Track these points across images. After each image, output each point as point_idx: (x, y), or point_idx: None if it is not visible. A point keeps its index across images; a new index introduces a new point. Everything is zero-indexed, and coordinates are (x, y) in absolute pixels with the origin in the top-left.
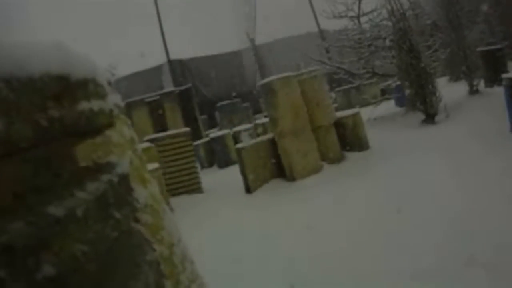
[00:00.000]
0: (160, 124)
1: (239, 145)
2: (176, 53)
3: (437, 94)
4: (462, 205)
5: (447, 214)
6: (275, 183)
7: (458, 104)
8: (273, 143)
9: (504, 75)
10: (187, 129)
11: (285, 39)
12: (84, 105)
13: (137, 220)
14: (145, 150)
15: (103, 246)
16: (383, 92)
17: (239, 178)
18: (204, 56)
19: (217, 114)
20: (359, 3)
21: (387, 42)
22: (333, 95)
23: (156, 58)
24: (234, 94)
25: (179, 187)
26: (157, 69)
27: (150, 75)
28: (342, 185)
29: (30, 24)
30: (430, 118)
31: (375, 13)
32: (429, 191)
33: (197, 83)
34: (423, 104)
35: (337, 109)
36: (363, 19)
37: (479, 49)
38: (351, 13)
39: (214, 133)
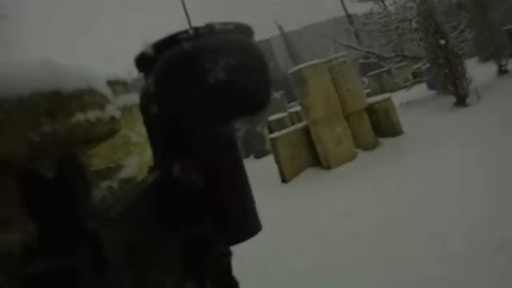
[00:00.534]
0: None
1: (273, 135)
2: None
3: (467, 76)
4: (497, 191)
5: (482, 200)
6: (311, 172)
7: (488, 85)
8: (307, 131)
9: None
10: None
11: (312, 26)
12: (79, 117)
13: None
14: None
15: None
16: (415, 75)
17: (275, 168)
18: None
19: None
20: None
21: (413, 24)
22: (365, 80)
23: None
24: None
25: None
26: None
27: None
28: (378, 172)
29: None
30: (461, 100)
31: None
32: (464, 177)
33: None
34: (453, 86)
35: (369, 94)
36: (388, 2)
37: (505, 27)
38: None
39: None
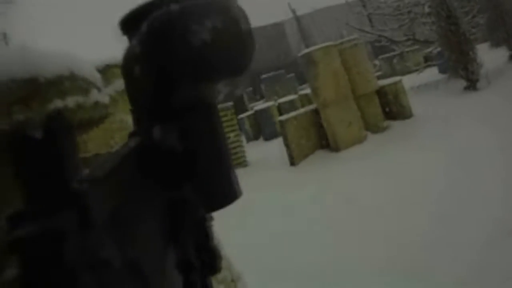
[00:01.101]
0: None
1: (282, 117)
2: None
3: (478, 61)
4: (508, 174)
5: (492, 184)
6: (320, 154)
7: (499, 70)
8: (316, 113)
9: None
10: (229, 103)
11: (324, 9)
12: (57, 104)
13: None
14: None
15: None
16: (426, 59)
17: (284, 150)
18: None
19: (262, 86)
20: None
21: (426, 9)
22: (377, 62)
23: None
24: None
25: None
26: None
27: None
28: (386, 155)
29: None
30: (472, 84)
31: None
32: (474, 161)
33: None
34: (464, 70)
35: (381, 77)
36: None
37: None
38: None
39: (259, 105)
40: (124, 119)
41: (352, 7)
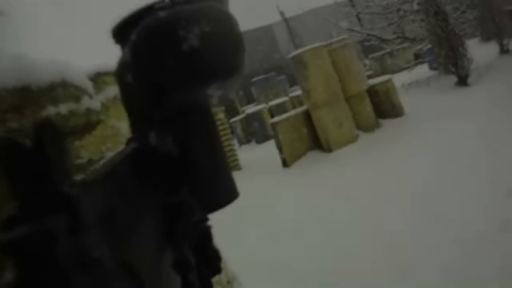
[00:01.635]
0: None
1: (273, 120)
2: None
3: (468, 56)
4: (499, 170)
5: (485, 179)
6: (312, 155)
7: (489, 65)
8: (307, 115)
9: None
10: (221, 107)
11: (313, 10)
12: (50, 111)
13: None
14: None
15: None
16: (416, 56)
17: (276, 153)
18: None
19: (253, 89)
20: None
21: (415, 6)
22: (367, 62)
23: None
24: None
25: None
26: None
27: None
28: (378, 154)
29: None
30: (462, 80)
31: None
32: (467, 157)
33: None
34: (454, 66)
35: (371, 76)
36: None
37: (506, 8)
38: None
39: (250, 108)
40: (116, 125)
41: (341, 7)
